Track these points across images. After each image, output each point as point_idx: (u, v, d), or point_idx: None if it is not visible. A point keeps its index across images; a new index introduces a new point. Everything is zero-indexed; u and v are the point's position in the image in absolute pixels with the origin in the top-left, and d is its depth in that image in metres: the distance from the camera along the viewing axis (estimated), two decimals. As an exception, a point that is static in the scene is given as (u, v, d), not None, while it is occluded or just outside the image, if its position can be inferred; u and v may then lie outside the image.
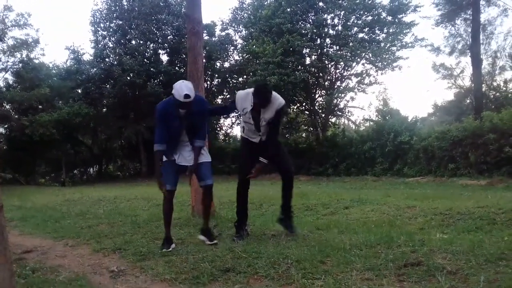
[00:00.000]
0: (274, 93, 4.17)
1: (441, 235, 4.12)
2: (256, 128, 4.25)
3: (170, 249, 3.98)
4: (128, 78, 22.42)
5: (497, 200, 6.57)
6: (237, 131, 28.33)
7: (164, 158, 4.13)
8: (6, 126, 22.82)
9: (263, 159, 4.21)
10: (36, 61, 23.90)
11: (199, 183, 4.26)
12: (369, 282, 2.69)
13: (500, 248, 3.29)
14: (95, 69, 23.63)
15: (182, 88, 3.80)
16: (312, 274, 2.90)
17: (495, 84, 25.68)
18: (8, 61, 23.13)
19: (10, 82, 24.01)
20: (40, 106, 22.79)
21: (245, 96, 4.22)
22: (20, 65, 23.04)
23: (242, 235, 4.30)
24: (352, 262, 3.12)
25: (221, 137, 27.59)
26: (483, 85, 21.94)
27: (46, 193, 13.79)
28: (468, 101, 27.18)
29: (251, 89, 4.23)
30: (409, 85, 57.74)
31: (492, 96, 24.86)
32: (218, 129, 27.30)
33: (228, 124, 27.87)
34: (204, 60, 9.37)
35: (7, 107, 22.71)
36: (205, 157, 4.22)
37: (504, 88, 25.08)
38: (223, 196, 8.35)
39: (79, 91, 23.99)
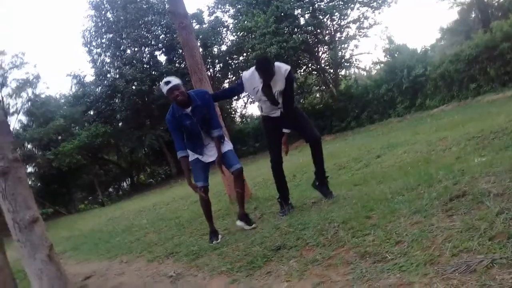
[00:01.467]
0: (276, 63, 4.13)
1: (479, 159, 4.05)
2: (272, 103, 4.22)
3: (219, 240, 4.08)
4: (133, 87, 22.60)
5: (527, 109, 6.40)
6: (251, 110, 28.30)
7: (190, 157, 4.20)
8: (33, 165, 23.45)
9: (286, 129, 4.22)
10: (43, 96, 24.35)
11: (229, 170, 4.31)
12: (419, 225, 2.67)
13: (542, 158, 3.23)
14: (99, 87, 23.91)
15: (161, 83, 4.05)
16: (361, 232, 2.90)
17: (497, -10, 24.66)
18: (16, 103, 23.65)
19: (25, 122, 24.60)
20: (60, 137, 23.29)
21: (251, 76, 4.19)
22: (29, 103, 23.52)
23: (286, 209, 4.34)
24: (397, 209, 3.10)
25: (238, 119, 27.62)
26: (485, -5, 21.10)
27: (89, 218, 14.20)
28: (473, 15, 26.24)
29: (253, 69, 4.21)
30: (410, 16, 56.01)
31: (496, 3, 23.90)
32: (233, 112, 27.33)
33: (241, 105, 27.89)
34: (200, 50, 9.38)
35: (29, 146, 23.30)
36: (227, 145, 4.26)
37: (508, -8, 24.05)
38: (256, 176, 8.41)
39: (91, 112, 24.36)
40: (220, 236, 4.19)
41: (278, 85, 4.12)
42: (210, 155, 4.18)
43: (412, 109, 15.95)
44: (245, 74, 4.25)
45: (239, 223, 4.31)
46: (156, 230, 6.10)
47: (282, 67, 4.14)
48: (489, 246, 2.06)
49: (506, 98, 10.55)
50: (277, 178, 4.46)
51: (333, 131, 18.56)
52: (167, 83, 3.96)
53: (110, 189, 28.74)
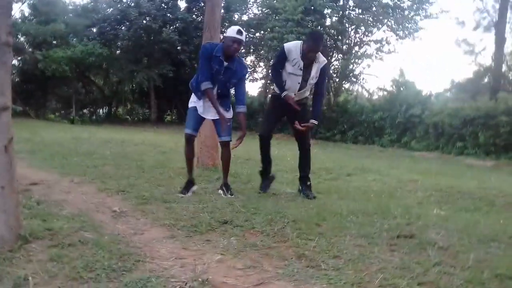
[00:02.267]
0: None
1: (438, 211, 4.16)
2: (303, 80, 4.25)
3: (190, 193, 4.14)
4: (144, 21, 22.08)
5: (500, 183, 6.58)
6: (249, 88, 28.11)
7: (191, 104, 4.18)
8: (19, 58, 22.78)
9: (314, 121, 4.32)
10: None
11: (218, 138, 4.34)
12: (360, 248, 2.76)
13: (494, 230, 3.35)
14: (111, 9, 23.27)
15: (234, 28, 3.98)
16: (307, 235, 2.97)
17: (515, 65, 24.99)
18: (23, -7, 22.80)
19: (26, 14, 23.75)
20: (54, 42, 22.63)
21: (295, 47, 4.23)
22: (37, -4, 22.73)
23: (267, 183, 4.55)
24: (347, 227, 3.19)
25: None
26: (503, 65, 21.36)
27: (55, 129, 13.98)
28: (486, 80, 26.59)
29: (299, 42, 4.29)
30: (428, 58, 56.30)
31: (511, 77, 24.26)
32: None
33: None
34: (222, 11, 9.19)
35: (22, 39, 22.56)
36: (228, 113, 4.23)
37: (525, 70, 24.40)
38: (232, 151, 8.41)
39: (94, 30, 23.72)
40: (193, 188, 4.26)
41: (314, 71, 4.22)
42: (209, 111, 4.16)
43: (396, 144, 16.17)
44: (289, 44, 4.31)
45: (219, 191, 4.33)
46: (115, 165, 6.07)
47: (322, 57, 4.28)
48: (415, 290, 2.14)
49: (484, 167, 10.82)
50: (264, 151, 4.54)
51: (316, 137, 18.67)
52: (240, 33, 3.92)
53: (85, 110, 28.19)
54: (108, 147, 8.60)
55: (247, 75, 4.26)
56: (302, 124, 4.29)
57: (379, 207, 4.00)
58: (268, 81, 24.96)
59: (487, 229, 3.36)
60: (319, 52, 4.20)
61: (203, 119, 4.24)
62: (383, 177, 6.77)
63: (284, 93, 4.27)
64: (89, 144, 8.95)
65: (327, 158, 9.38)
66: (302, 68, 4.20)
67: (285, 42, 4.86)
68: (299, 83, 4.26)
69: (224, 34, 4.03)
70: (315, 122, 4.33)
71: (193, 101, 4.23)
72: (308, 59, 4.17)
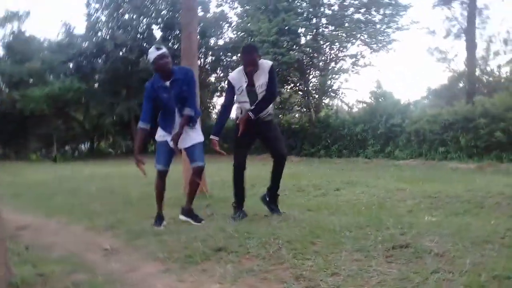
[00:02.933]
0: (262, 59, 4.25)
1: (430, 218, 4.19)
2: (251, 105, 4.24)
3: (162, 227, 4.06)
4: (121, 53, 22.15)
5: (485, 184, 6.67)
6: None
7: (158, 138, 4.16)
8: (-4, 99, 22.57)
9: (251, 113, 4.18)
10: (28, 34, 23.48)
11: (191, 164, 4.29)
12: (358, 263, 2.75)
13: (486, 231, 3.37)
14: (87, 42, 23.29)
15: (151, 49, 4.05)
16: (303, 255, 2.95)
17: (488, 69, 25.72)
18: (-2, 33, 22.72)
19: (1, 55, 23.63)
20: (31, 80, 22.48)
21: (237, 74, 4.25)
22: (11, 37, 22.63)
23: (238, 215, 4.34)
24: (342, 243, 3.18)
25: (214, 116, 27.50)
26: (476, 70, 21.96)
27: (37, 169, 13.75)
28: (461, 85, 27.26)
29: (240, 67, 4.28)
30: (403, 68, 57.56)
31: (485, 80, 24.92)
32: (211, 108, 27.20)
33: (221, 103, 27.76)
34: (198, 37, 9.28)
35: (-2, 79, 22.41)
36: (198, 137, 4.22)
37: (497, 73, 25.14)
38: (215, 175, 8.39)
39: (71, 65, 23.66)
40: (164, 223, 4.18)
41: (261, 79, 4.18)
42: (181, 141, 4.14)
43: (380, 155, 16.32)
44: (232, 75, 4.31)
45: (182, 217, 4.29)
46: (102, 201, 5.98)
47: (266, 62, 4.29)
48: (417, 300, 2.14)
49: (468, 170, 10.98)
50: (237, 183, 4.46)
51: (301, 154, 18.75)
52: (159, 48, 3.99)
53: (67, 147, 27.89)
54: (93, 183, 8.48)
55: (193, 79, 4.25)
56: (241, 123, 4.23)
57: (371, 219, 4.01)
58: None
59: (479, 231, 3.39)
60: (262, 60, 4.22)
61: (174, 151, 4.20)
62: (371, 188, 6.80)
63: (212, 137, 4.26)
64: (73, 182, 8.82)
65: (314, 174, 9.41)
66: (246, 91, 4.20)
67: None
68: (250, 108, 4.23)
69: (150, 61, 4.05)
70: (251, 115, 4.17)
71: (161, 135, 4.19)
72: (252, 75, 4.17)
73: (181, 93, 4.06)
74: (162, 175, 4.20)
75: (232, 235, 3.53)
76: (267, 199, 4.56)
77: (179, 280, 2.62)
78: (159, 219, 4.21)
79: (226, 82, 4.39)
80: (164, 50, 4.00)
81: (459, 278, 2.37)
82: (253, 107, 4.23)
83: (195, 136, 4.19)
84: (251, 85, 4.18)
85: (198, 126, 4.30)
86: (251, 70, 4.13)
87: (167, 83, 4.02)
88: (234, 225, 3.90)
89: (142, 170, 4.07)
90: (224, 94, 21.33)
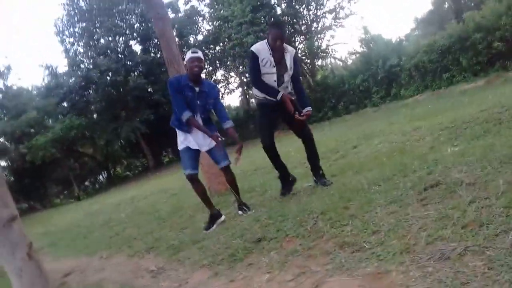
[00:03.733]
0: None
1: (452, 149, 4.17)
2: (277, 79, 4.17)
3: (215, 226, 4.13)
4: (108, 78, 22.19)
5: (498, 99, 6.59)
6: (229, 101, 28.24)
7: (179, 146, 4.18)
8: (6, 159, 22.87)
9: (309, 108, 4.21)
10: (15, 88, 23.66)
11: (217, 166, 4.34)
12: (395, 215, 2.74)
13: (511, 147, 3.34)
14: (73, 78, 23.38)
15: (189, 51, 4.10)
16: (339, 222, 2.96)
17: (469, -19, 25.11)
18: (-14, 95, 22.93)
19: (-5, 115, 23.89)
20: (33, 130, 22.73)
21: (261, 46, 4.14)
22: (0, 95, 22.83)
23: (289, 187, 4.43)
24: (374, 200, 3.18)
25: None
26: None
27: (65, 212, 13.98)
28: (446, 5, 26.71)
29: (262, 41, 4.21)
30: (385, 6, 56.57)
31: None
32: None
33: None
34: (176, 39, 9.25)
35: (1, 140, 22.69)
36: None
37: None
38: (234, 168, 8.40)
39: (65, 104, 23.82)
40: (221, 219, 4.24)
41: (288, 62, 4.14)
42: (200, 143, 4.17)
43: (387, 99, 16.20)
44: (255, 46, 4.19)
45: (239, 212, 4.35)
46: (135, 225, 6.07)
47: (290, 47, 4.21)
48: (462, 234, 2.14)
49: (477, 88, 10.84)
50: (275, 160, 4.45)
51: (310, 122, 18.55)
52: (194, 51, 4.05)
53: (86, 183, 28.28)
54: (122, 210, 8.60)
55: (219, 93, 4.26)
56: (302, 114, 4.20)
57: (396, 167, 4.00)
58: (245, 87, 25.02)
59: (504, 149, 3.36)
60: (284, 43, 4.17)
61: (198, 154, 4.23)
62: (387, 136, 6.78)
63: (279, 95, 4.13)
64: (102, 214, 8.95)
65: (328, 139, 9.39)
66: (275, 65, 4.13)
67: (246, 45, 4.84)
68: (275, 80, 4.17)
69: (184, 62, 4.13)
70: (310, 109, 4.22)
71: (181, 141, 4.20)
72: (278, 52, 4.10)
73: (207, 105, 4.15)
74: (194, 179, 4.21)
75: (267, 223, 3.56)
76: (315, 179, 4.55)
77: (229, 281, 2.66)
78: (213, 218, 4.23)
79: (250, 54, 4.24)
80: (198, 54, 4.04)
81: (497, 202, 2.36)
82: (302, 101, 4.27)
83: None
84: (278, 60, 4.11)
85: (215, 128, 4.31)
86: (280, 45, 4.05)
87: (195, 87, 4.06)
88: (266, 212, 3.94)
89: (215, 137, 4.10)
90: (220, 86, 21.15)
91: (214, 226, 4.16)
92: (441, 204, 2.66)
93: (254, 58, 4.11)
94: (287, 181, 4.52)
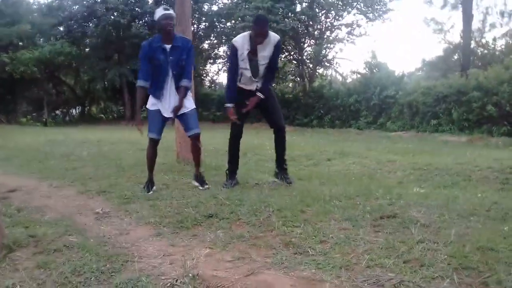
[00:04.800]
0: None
1: (418, 190, 4.26)
2: (252, 74, 4.20)
3: (151, 192, 4.11)
4: (112, 17, 21.65)
5: (474, 158, 6.77)
6: (223, 78, 28.07)
7: (150, 107, 4.14)
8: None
9: (260, 93, 4.21)
10: (16, -5, 22.81)
11: (186, 133, 4.31)
12: (346, 232, 2.81)
13: (473, 204, 3.45)
14: (77, 6, 22.70)
15: (158, 9, 4.09)
16: (292, 222, 3.00)
17: (483, 41, 25.57)
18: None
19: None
20: (21, 43, 22.01)
21: (242, 40, 4.17)
22: (-1, -1, 22.00)
23: (231, 183, 4.38)
24: (331, 212, 3.24)
25: (207, 83, 27.27)
26: (472, 42, 21.82)
27: (28, 133, 13.65)
28: (456, 57, 27.15)
29: (245, 33, 4.22)
30: (399, 38, 57.14)
31: (480, 53, 24.82)
32: (204, 75, 26.92)
33: (214, 71, 27.54)
34: (191, 2, 9.05)
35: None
36: (190, 103, 4.22)
37: (493, 46, 25.03)
38: (208, 144, 8.38)
39: (61, 28, 23.16)
40: (153, 189, 4.21)
41: (266, 51, 4.15)
42: (166, 109, 4.13)
43: (373, 126, 16.41)
44: (236, 39, 4.21)
45: (194, 183, 4.38)
46: (94, 165, 5.99)
47: (273, 35, 4.21)
48: (402, 268, 2.20)
49: (460, 143, 11.10)
50: (232, 151, 4.49)
51: (294, 124, 18.77)
52: (166, 9, 4.02)
53: (58, 112, 27.60)
54: (85, 148, 8.47)
55: (192, 49, 4.23)
56: (247, 103, 4.23)
57: (361, 189, 4.07)
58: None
59: (465, 203, 3.46)
60: (270, 32, 4.18)
61: (166, 120, 4.20)
62: (362, 159, 6.88)
63: (227, 105, 4.24)
64: (65, 146, 8.79)
65: (306, 144, 9.46)
66: (249, 59, 4.15)
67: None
68: (250, 76, 4.21)
69: (155, 19, 4.10)
70: (261, 95, 4.22)
71: (153, 103, 4.17)
72: (257, 44, 4.12)
73: (180, 61, 4.07)
74: (154, 144, 4.21)
75: (223, 202, 3.57)
76: (277, 171, 4.57)
77: (170, 245, 2.66)
78: (150, 184, 4.24)
79: (230, 46, 4.30)
80: (171, 11, 4.02)
81: (443, 248, 2.43)
82: (255, 81, 4.23)
83: (187, 104, 4.18)
84: (253, 53, 4.13)
85: (189, 94, 4.28)
86: (261, 41, 4.08)
87: (167, 46, 4.02)
88: (225, 193, 3.95)
89: (140, 131, 4.14)
90: (220, 62, 20.97)
91: (151, 192, 4.11)
92: (392, 235, 2.73)
93: (233, 50, 4.20)
94: (233, 177, 4.50)
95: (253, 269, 2.28)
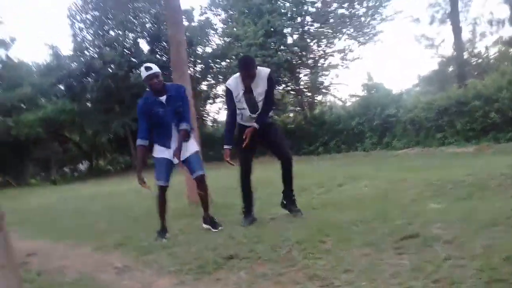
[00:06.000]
0: (258, 67, 4.23)
1: (435, 205, 4.22)
2: (251, 111, 4.27)
3: (165, 239, 4.11)
4: (110, 70, 22.13)
5: (486, 166, 6.71)
6: (224, 115, 28.33)
7: (157, 155, 4.19)
8: (-10, 128, 22.50)
9: (255, 124, 4.23)
10: (16, 60, 23.49)
11: (191, 176, 4.36)
12: (369, 258, 2.76)
13: (493, 214, 3.40)
14: (75, 63, 23.27)
15: (141, 68, 4.20)
16: (313, 254, 2.96)
17: (476, 51, 25.87)
18: (-14, 62, 22.73)
19: (-10, 83, 23.63)
20: (24, 106, 22.46)
21: (234, 81, 4.27)
22: (0, 65, 22.63)
23: (249, 220, 4.37)
24: (351, 239, 3.19)
25: (209, 123, 27.51)
26: (464, 53, 22.08)
27: (38, 193, 13.71)
28: (451, 69, 27.39)
29: (237, 74, 4.29)
30: (392, 58, 57.81)
31: (474, 62, 25.05)
32: (205, 115, 27.19)
33: (215, 110, 27.84)
34: (186, 48, 9.31)
35: (-10, 109, 22.36)
36: (193, 146, 4.27)
37: (486, 54, 25.28)
38: (217, 183, 8.37)
39: (61, 87, 23.65)
40: (167, 235, 4.20)
41: (259, 87, 4.21)
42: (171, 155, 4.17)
43: (378, 146, 16.36)
44: (229, 82, 4.31)
45: (205, 226, 4.35)
46: (107, 219, 5.98)
47: (263, 70, 4.30)
48: (432, 288, 2.16)
49: (467, 153, 11.03)
50: (245, 189, 4.49)
51: (300, 153, 18.75)
52: (148, 68, 4.08)
53: (66, 169, 27.83)
54: (97, 202, 8.48)
55: (185, 93, 4.33)
56: (244, 135, 4.22)
57: (377, 212, 4.02)
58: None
59: (485, 214, 3.41)
60: (260, 68, 4.24)
61: (173, 166, 4.24)
62: (373, 181, 6.82)
63: (225, 147, 4.27)
64: (76, 203, 8.81)
65: (315, 172, 9.42)
66: (245, 99, 4.22)
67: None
68: (249, 114, 4.28)
69: (142, 79, 4.17)
70: (256, 126, 4.22)
71: (159, 150, 4.24)
72: (247, 84, 4.20)
73: (177, 108, 4.16)
74: (163, 191, 4.25)
75: (241, 241, 3.54)
76: (284, 202, 4.56)
77: (194, 292, 2.63)
78: (163, 231, 4.25)
79: (225, 89, 4.41)
80: (153, 70, 4.07)
81: (471, 263, 2.39)
82: (255, 117, 4.28)
83: (190, 147, 4.24)
84: (248, 92, 4.21)
85: (192, 137, 4.34)
86: (250, 82, 4.16)
87: (163, 99, 4.11)
88: (242, 231, 3.92)
89: (147, 188, 4.18)
90: (219, 101, 21.08)
91: (164, 240, 4.11)
92: (416, 255, 2.68)
93: (228, 93, 4.30)
94: (249, 214, 4.48)
95: (281, 307, 2.24)
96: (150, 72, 4.05)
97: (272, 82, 4.34)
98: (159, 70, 4.14)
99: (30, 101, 22.40)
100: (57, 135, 25.11)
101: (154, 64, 4.21)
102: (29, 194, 14.13)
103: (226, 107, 4.59)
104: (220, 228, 4.23)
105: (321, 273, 2.60)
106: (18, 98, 21.26)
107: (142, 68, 4.16)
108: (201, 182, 4.30)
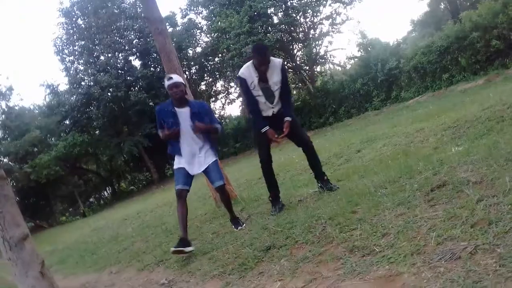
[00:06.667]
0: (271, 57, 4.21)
1: (456, 149, 4.17)
2: (267, 99, 4.24)
3: (187, 251, 3.86)
4: (109, 94, 22.32)
5: (499, 96, 6.60)
6: (230, 111, 28.36)
7: (176, 165, 4.20)
8: (11, 179, 22.95)
9: (288, 117, 4.21)
10: (17, 108, 23.86)
11: (212, 185, 4.37)
12: (403, 217, 2.75)
13: (515, 144, 3.35)
14: (74, 96, 23.51)
15: (164, 79, 4.26)
16: (348, 227, 2.97)
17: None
18: (-11, 116, 23.13)
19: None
20: (36, 149, 22.85)
21: (247, 70, 4.22)
22: (3, 116, 23.01)
23: (277, 208, 4.36)
24: (381, 203, 3.18)
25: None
26: (453, -13, 21.60)
27: (71, 229, 13.98)
28: (442, 6, 26.83)
29: (247, 63, 4.26)
30: (381, 10, 56.85)
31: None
32: (212, 114, 27.26)
33: (220, 107, 27.86)
34: (176, 54, 9.31)
35: (5, 160, 22.80)
36: (211, 157, 4.26)
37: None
38: (239, 177, 8.43)
39: (67, 122, 23.96)
40: (189, 249, 3.87)
41: (274, 77, 4.18)
42: (196, 166, 4.20)
43: (388, 102, 16.23)
44: (242, 71, 4.25)
45: (234, 227, 4.35)
46: (143, 238, 6.07)
47: (276, 59, 4.26)
48: (471, 233, 2.15)
49: (477, 87, 10.85)
50: (268, 177, 4.47)
51: (312, 128, 18.73)
52: (169, 78, 4.16)
53: (91, 199, 28.30)
54: (128, 224, 8.61)
55: (210, 108, 4.39)
56: (284, 129, 4.20)
57: (401, 169, 4.00)
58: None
59: (508, 146, 3.37)
60: (272, 58, 4.21)
61: (192, 175, 4.25)
62: (390, 139, 6.78)
63: (264, 129, 4.21)
64: (109, 230, 8.96)
65: (331, 144, 9.40)
66: (260, 86, 4.19)
67: (245, 55, 4.86)
68: (265, 102, 4.25)
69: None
70: (289, 118, 4.23)
71: (179, 162, 4.24)
72: (263, 73, 4.17)
73: (205, 123, 4.19)
74: (182, 195, 4.13)
75: (275, 230, 3.56)
76: (319, 184, 4.55)
77: (241, 290, 2.67)
78: (182, 244, 3.85)
79: (238, 80, 4.36)
80: (173, 80, 4.11)
81: (504, 199, 2.37)
82: (275, 110, 4.27)
83: (208, 158, 4.24)
84: (263, 81, 4.19)
85: (209, 147, 4.30)
86: (265, 69, 4.14)
87: (181, 110, 4.13)
88: (274, 220, 3.94)
89: (175, 131, 4.12)
90: (221, 97, 21.14)
91: (187, 251, 3.85)
92: (449, 204, 2.67)
93: (243, 82, 4.22)
94: (277, 201, 4.46)
95: (329, 286, 2.26)
96: (170, 81, 4.12)
97: (285, 72, 4.34)
98: (181, 81, 4.18)
99: (41, 143, 22.77)
100: (75, 169, 25.49)
101: (176, 75, 4.32)
102: (63, 232, 14.42)
103: (244, 99, 4.46)
104: (240, 228, 4.22)
105: (359, 243, 2.61)
106: (29, 143, 21.65)
107: (164, 79, 4.26)
108: (221, 192, 4.33)
